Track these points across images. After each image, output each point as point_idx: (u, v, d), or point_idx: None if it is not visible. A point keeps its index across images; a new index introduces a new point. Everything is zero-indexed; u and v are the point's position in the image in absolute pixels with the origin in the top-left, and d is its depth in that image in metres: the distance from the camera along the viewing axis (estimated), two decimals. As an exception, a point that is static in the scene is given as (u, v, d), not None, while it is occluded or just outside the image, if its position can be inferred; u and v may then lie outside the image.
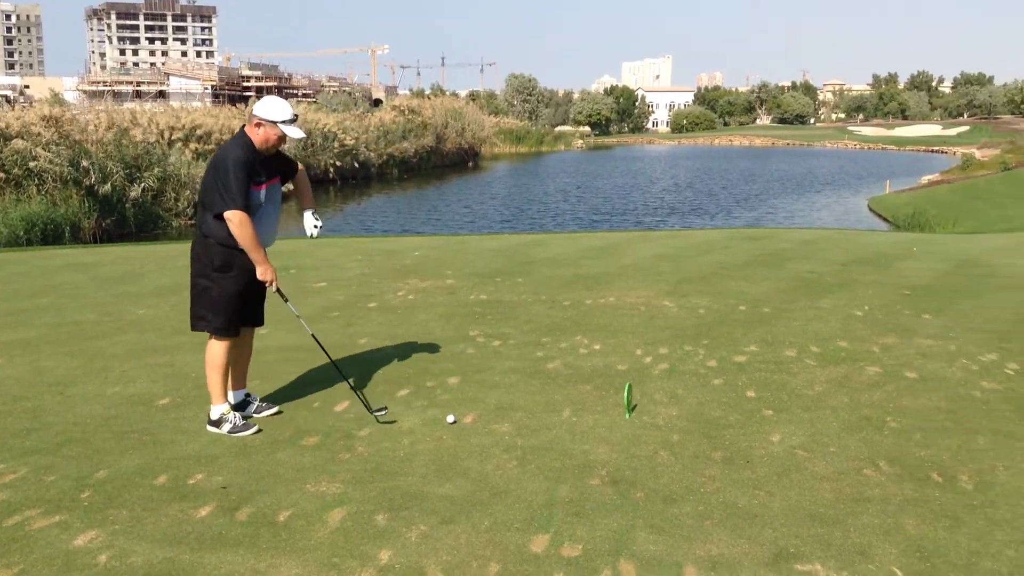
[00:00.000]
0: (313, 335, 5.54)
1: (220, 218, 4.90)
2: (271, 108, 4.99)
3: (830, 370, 6.45)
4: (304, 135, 5.42)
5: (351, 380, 5.67)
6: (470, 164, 66.16)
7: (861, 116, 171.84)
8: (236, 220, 4.85)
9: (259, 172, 5.01)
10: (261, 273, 5.03)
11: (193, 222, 26.72)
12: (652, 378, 6.21)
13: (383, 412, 5.31)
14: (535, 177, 54.64)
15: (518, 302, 8.83)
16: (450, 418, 5.31)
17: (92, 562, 3.64)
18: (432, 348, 6.96)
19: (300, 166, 5.45)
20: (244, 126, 5.08)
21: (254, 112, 4.99)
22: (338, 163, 45.45)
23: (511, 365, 6.52)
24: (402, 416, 5.39)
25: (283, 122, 4.97)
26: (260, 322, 5.39)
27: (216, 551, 3.73)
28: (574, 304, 8.71)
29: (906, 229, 25.00)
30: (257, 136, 4.98)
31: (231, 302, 5.05)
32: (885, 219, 30.84)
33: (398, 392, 5.86)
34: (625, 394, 5.39)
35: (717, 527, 3.97)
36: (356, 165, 48.25)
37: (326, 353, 5.59)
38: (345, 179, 46.50)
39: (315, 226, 5.39)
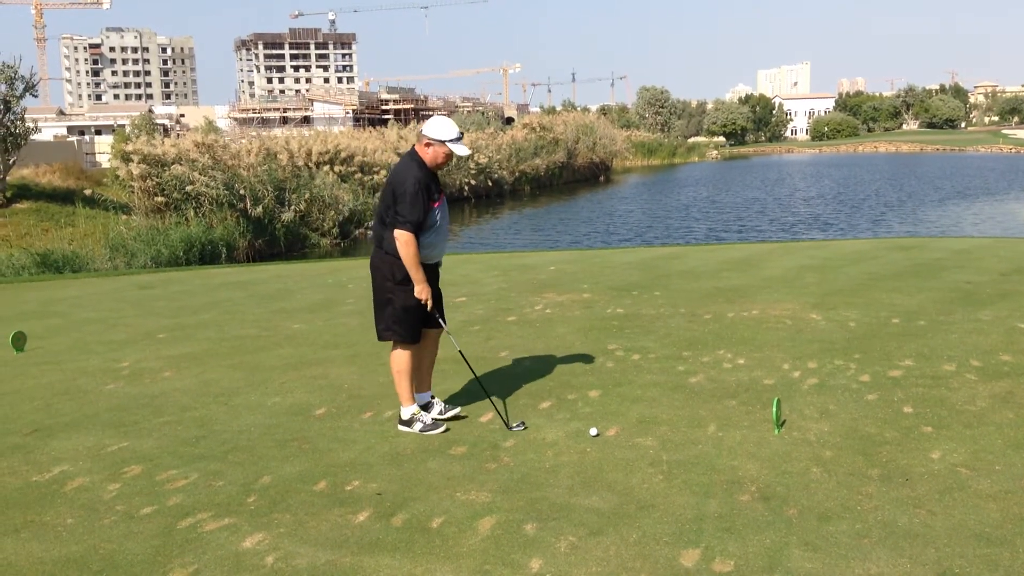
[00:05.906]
0: (461, 352, 5.82)
1: None
2: (439, 128, 5.27)
3: (993, 385, 6.12)
4: (469, 152, 5.81)
5: (492, 396, 5.84)
6: (601, 178, 66.11)
7: (1016, 119, 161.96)
8: (404, 239, 5.13)
9: (433, 189, 5.26)
10: (419, 292, 5.25)
11: (339, 242, 27.95)
12: (801, 393, 6.05)
13: (520, 427, 5.45)
14: (666, 191, 54.05)
15: (656, 315, 8.76)
16: (593, 431, 5.33)
17: (260, 563, 3.85)
18: (571, 361, 7.01)
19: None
20: (414, 146, 5.35)
21: (423, 132, 5.27)
22: (472, 182, 46.46)
23: (652, 379, 6.49)
24: (545, 428, 5.45)
25: (451, 140, 5.24)
26: (438, 324, 5.57)
27: (374, 555, 3.88)
28: (715, 317, 8.58)
29: (1072, 236, 23.34)
30: (427, 155, 5.26)
31: (412, 313, 5.33)
32: (1048, 226, 28.93)
33: (540, 404, 5.93)
34: (774, 409, 5.28)
35: (876, 546, 3.83)
36: (490, 183, 49.11)
37: (471, 368, 5.87)
38: (479, 196, 47.58)
39: None
